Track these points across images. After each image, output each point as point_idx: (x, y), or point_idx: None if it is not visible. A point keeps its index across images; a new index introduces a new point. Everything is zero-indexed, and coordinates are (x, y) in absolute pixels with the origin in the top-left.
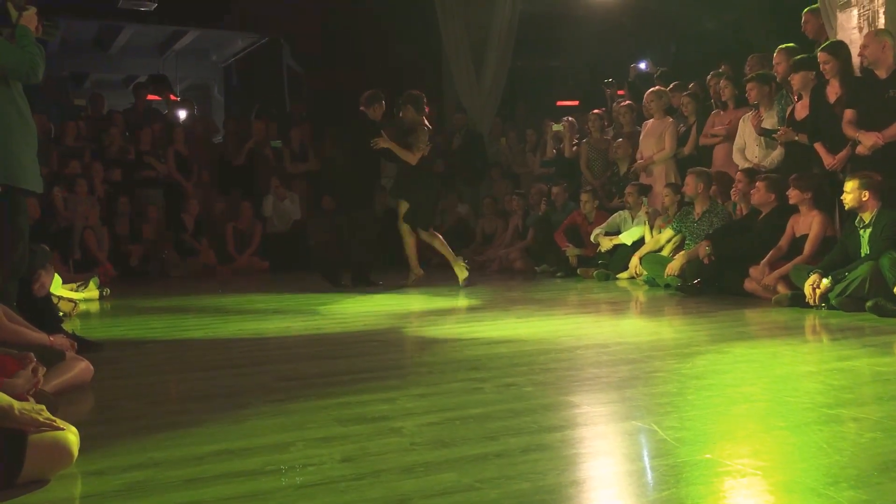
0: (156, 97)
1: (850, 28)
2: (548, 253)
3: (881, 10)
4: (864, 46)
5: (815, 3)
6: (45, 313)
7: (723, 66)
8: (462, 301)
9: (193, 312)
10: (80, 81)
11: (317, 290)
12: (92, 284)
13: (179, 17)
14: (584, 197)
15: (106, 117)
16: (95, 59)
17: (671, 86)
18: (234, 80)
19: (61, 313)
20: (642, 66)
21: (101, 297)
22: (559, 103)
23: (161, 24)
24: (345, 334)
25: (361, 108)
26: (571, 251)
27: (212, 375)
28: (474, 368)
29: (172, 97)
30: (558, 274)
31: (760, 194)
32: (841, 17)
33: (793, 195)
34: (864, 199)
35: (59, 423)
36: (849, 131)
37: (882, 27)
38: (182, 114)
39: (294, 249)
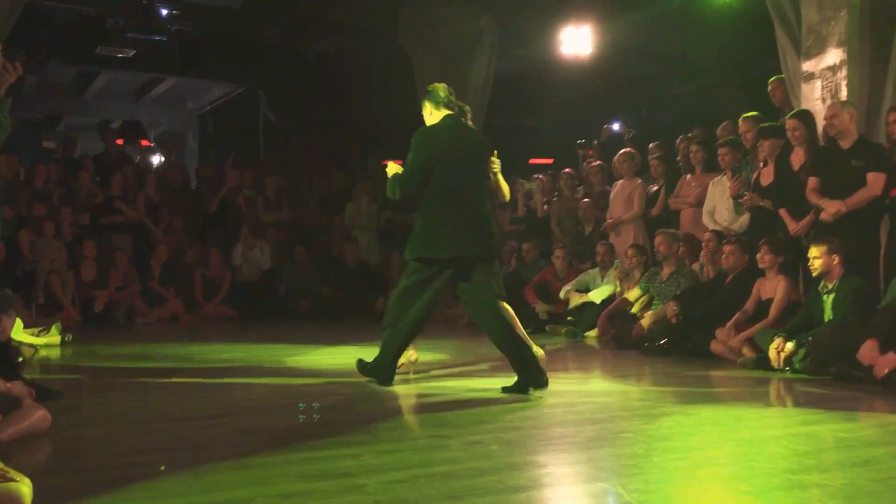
0: (121, 141)
1: (814, 99)
2: (517, 309)
3: (843, 83)
4: (832, 116)
5: (781, 72)
6: (3, 359)
7: (694, 131)
8: (430, 356)
9: (158, 361)
10: (54, 125)
11: (284, 341)
12: (54, 330)
13: (157, 65)
14: (557, 253)
15: (76, 161)
16: (71, 103)
17: (651, 145)
18: (210, 127)
19: (21, 359)
20: (615, 126)
21: (63, 343)
22: (532, 161)
23: (139, 70)
24: (312, 387)
25: None
26: (541, 307)
27: (174, 426)
28: (440, 425)
29: (144, 143)
30: (527, 330)
31: (736, 257)
32: (805, 87)
33: (767, 258)
34: (834, 263)
35: (12, 473)
36: (812, 198)
37: (844, 99)
38: (156, 160)
39: (263, 299)
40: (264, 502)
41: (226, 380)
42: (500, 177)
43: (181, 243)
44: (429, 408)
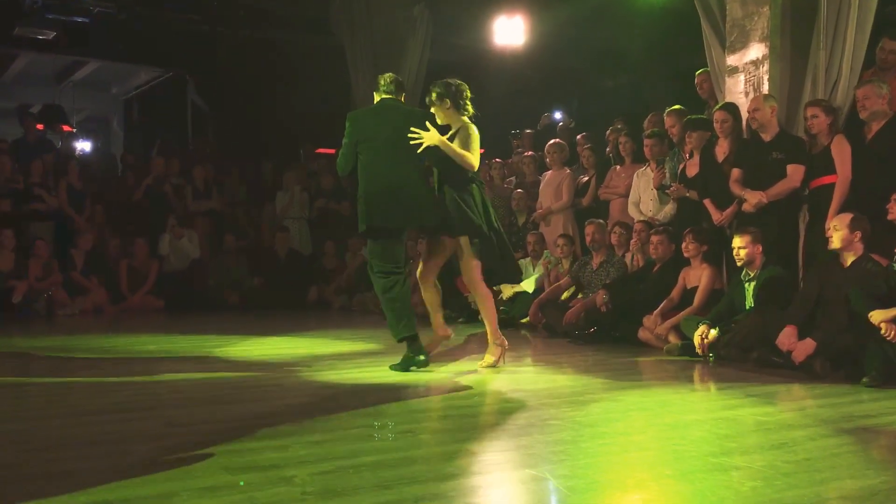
0: (42, 126)
1: (738, 92)
2: (450, 298)
3: (765, 77)
4: (755, 110)
5: (707, 66)
6: None
7: (620, 123)
8: (362, 345)
9: (80, 353)
10: None
11: (213, 332)
12: None
13: (80, 48)
14: None
15: None
16: None
17: (579, 136)
18: (136, 113)
19: None
20: (557, 115)
21: None
22: None
23: (60, 53)
24: (240, 378)
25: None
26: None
27: (94, 420)
28: (372, 415)
29: (66, 128)
30: (460, 320)
31: (664, 246)
32: (729, 81)
33: (691, 248)
34: (757, 252)
35: None
36: (735, 189)
37: (766, 93)
38: (78, 146)
39: (191, 289)
40: (188, 496)
41: (151, 372)
42: (450, 147)
43: (105, 232)
44: (360, 397)
